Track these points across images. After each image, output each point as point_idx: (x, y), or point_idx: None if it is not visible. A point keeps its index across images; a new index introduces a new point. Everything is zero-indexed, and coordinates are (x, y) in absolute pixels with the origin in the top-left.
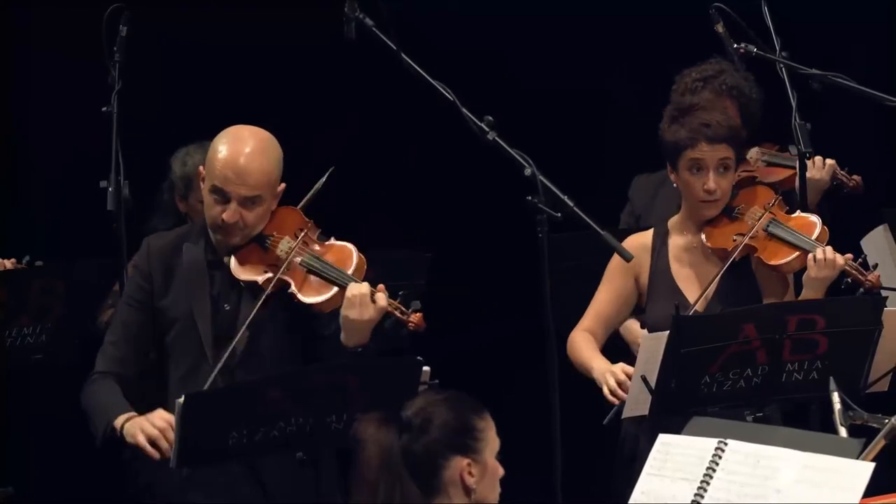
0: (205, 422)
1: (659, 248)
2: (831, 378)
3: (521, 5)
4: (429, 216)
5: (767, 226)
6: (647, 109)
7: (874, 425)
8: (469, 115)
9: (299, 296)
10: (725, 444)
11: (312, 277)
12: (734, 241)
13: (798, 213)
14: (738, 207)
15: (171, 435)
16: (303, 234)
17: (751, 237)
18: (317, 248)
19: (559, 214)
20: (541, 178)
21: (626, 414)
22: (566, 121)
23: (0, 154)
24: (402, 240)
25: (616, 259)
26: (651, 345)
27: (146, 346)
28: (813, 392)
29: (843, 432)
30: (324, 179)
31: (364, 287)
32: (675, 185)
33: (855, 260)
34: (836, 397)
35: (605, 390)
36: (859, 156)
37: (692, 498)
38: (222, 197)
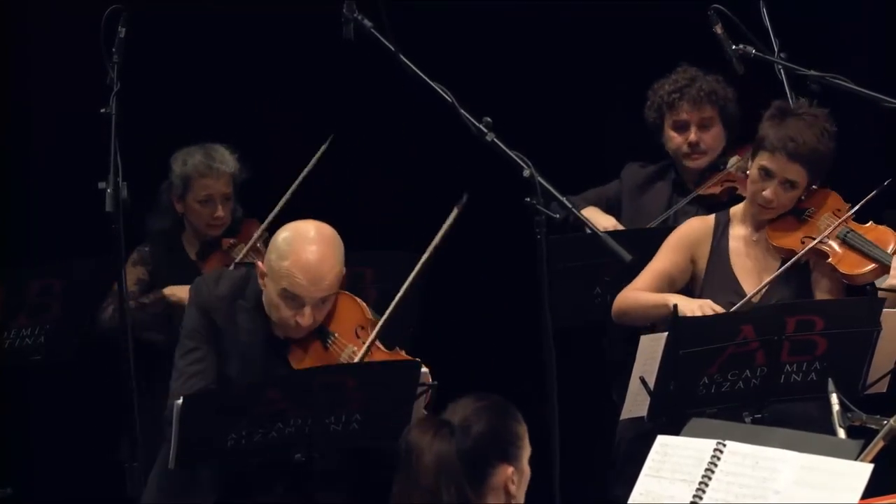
0: (203, 423)
1: (720, 235)
2: (830, 379)
3: (520, 5)
4: (427, 216)
5: (845, 234)
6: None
7: (873, 426)
8: (468, 116)
9: None
10: (724, 445)
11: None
12: (803, 242)
13: (871, 224)
14: (808, 210)
15: None
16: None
17: (823, 243)
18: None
19: (557, 216)
20: (539, 179)
21: (624, 415)
22: (565, 122)
23: None
24: (401, 240)
25: (677, 234)
26: (650, 346)
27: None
28: (812, 393)
29: (841, 433)
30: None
31: None
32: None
33: None
34: (834, 398)
35: None
36: (858, 157)
37: (691, 499)
38: (295, 301)
